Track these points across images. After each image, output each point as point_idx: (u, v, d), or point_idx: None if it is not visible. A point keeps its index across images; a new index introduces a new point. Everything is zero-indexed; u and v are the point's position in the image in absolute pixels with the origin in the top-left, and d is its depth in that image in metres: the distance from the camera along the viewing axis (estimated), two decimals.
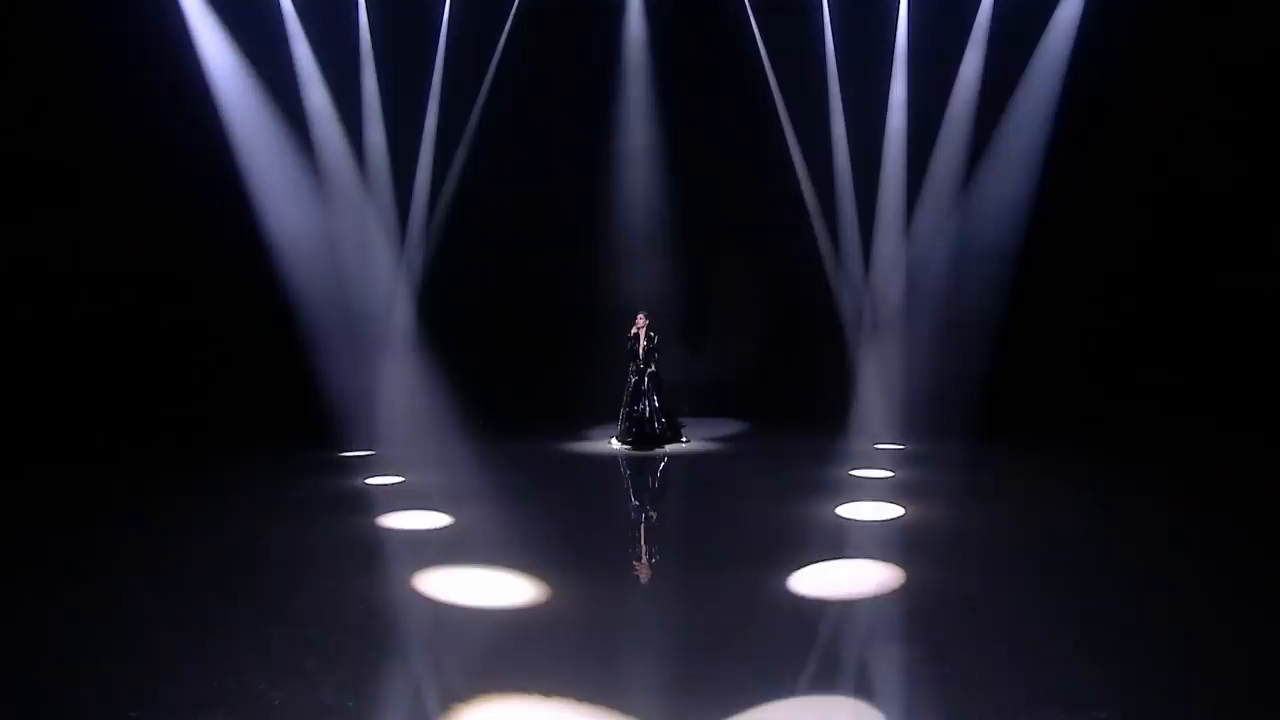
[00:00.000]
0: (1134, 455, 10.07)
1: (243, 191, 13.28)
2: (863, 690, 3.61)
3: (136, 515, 7.07)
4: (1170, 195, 12.31)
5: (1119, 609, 4.37)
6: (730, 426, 12.82)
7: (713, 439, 11.56)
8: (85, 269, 12.35)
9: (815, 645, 3.99)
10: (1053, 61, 13.13)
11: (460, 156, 14.55)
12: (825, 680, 3.66)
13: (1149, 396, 12.53)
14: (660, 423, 10.75)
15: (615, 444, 10.79)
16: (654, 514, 7.43)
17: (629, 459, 10.05)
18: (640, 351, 10.84)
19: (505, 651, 3.95)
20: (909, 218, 14.18)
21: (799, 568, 5.06)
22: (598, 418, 12.48)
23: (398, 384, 14.09)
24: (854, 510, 6.70)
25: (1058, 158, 13.08)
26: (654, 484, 8.79)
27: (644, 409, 10.71)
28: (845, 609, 4.60)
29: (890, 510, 6.66)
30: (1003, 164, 13.44)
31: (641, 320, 10.96)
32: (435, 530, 6.25)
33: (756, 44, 14.47)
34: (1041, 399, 13.39)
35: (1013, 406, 13.65)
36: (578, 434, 12.04)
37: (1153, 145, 12.34)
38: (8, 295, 11.73)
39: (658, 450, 10.46)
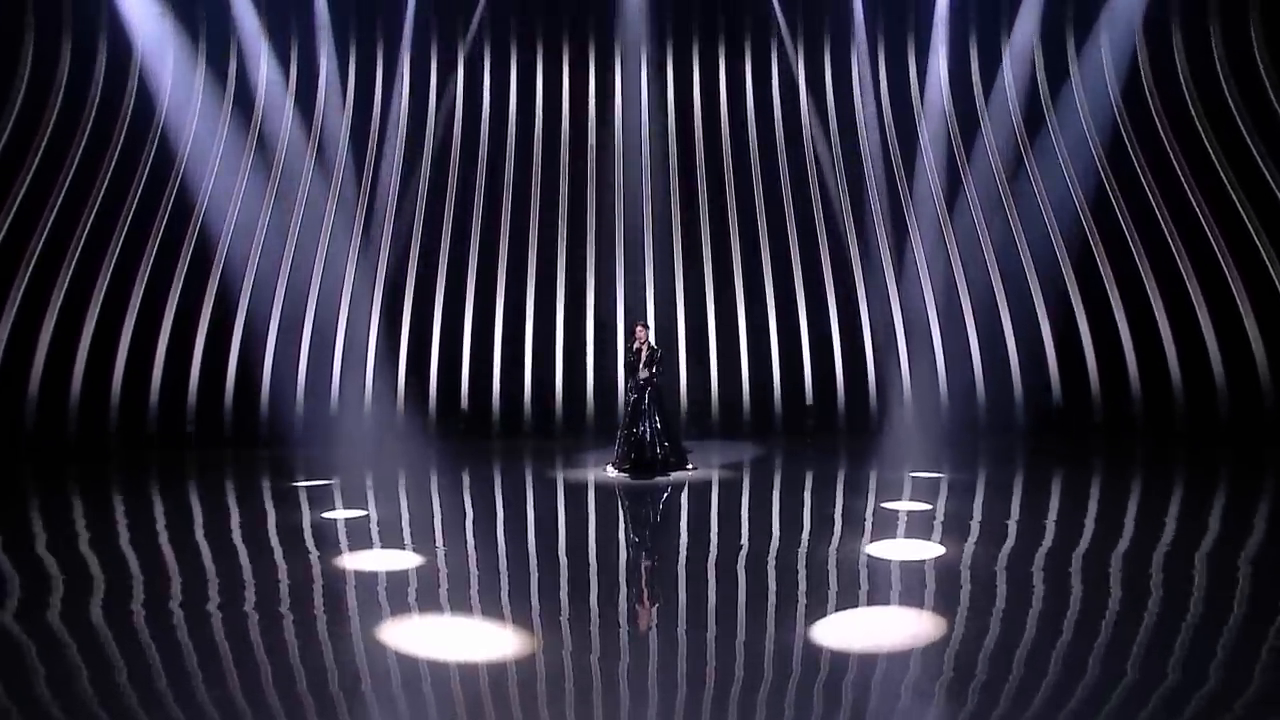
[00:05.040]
0: (1212, 479, 10.06)
1: (178, 179, 13.27)
2: None
3: (67, 546, 7.06)
4: (1254, 182, 12.20)
5: (1195, 662, 4.33)
6: (743, 451, 12.78)
7: (723, 465, 11.52)
8: None
9: (842, 705, 3.97)
10: (1122, 27, 12.75)
11: (432, 140, 14.56)
12: None
13: (1223, 413, 12.49)
14: (663, 447, 10.72)
15: (612, 471, 10.75)
16: (656, 553, 7.40)
17: (628, 488, 9.97)
18: (641, 366, 10.83)
19: (485, 712, 3.93)
20: (949, 211, 14.16)
21: (823, 615, 5.03)
22: (592, 441, 12.47)
23: (362, 402, 14.06)
24: (886, 549, 6.67)
25: (1125, 142, 12.93)
26: (656, 518, 8.76)
27: (644, 431, 10.68)
28: (876, 664, 4.58)
29: (928, 549, 6.63)
30: (1061, 150, 13.30)
31: (642, 332, 10.96)
32: (404, 572, 6.22)
33: (774, 9, 14.47)
34: (1101, 417, 13.34)
35: (1067, 427, 13.62)
36: (569, 460, 12.00)
37: (1236, 125, 12.24)
38: None
39: (660, 479, 10.42)
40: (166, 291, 13.23)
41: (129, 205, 13.06)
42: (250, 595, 5.69)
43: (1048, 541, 7.02)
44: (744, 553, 6.89)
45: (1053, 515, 8.20)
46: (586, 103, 14.63)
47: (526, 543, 7.44)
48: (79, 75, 12.94)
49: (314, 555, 6.73)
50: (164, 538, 7.63)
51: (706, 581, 6.13)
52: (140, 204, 13.12)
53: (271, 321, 13.46)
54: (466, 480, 10.98)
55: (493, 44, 14.59)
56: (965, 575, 5.93)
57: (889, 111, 14.23)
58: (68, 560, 6.68)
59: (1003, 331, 13.41)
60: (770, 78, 14.68)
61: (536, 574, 6.36)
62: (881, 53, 14.28)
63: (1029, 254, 13.32)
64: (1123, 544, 6.96)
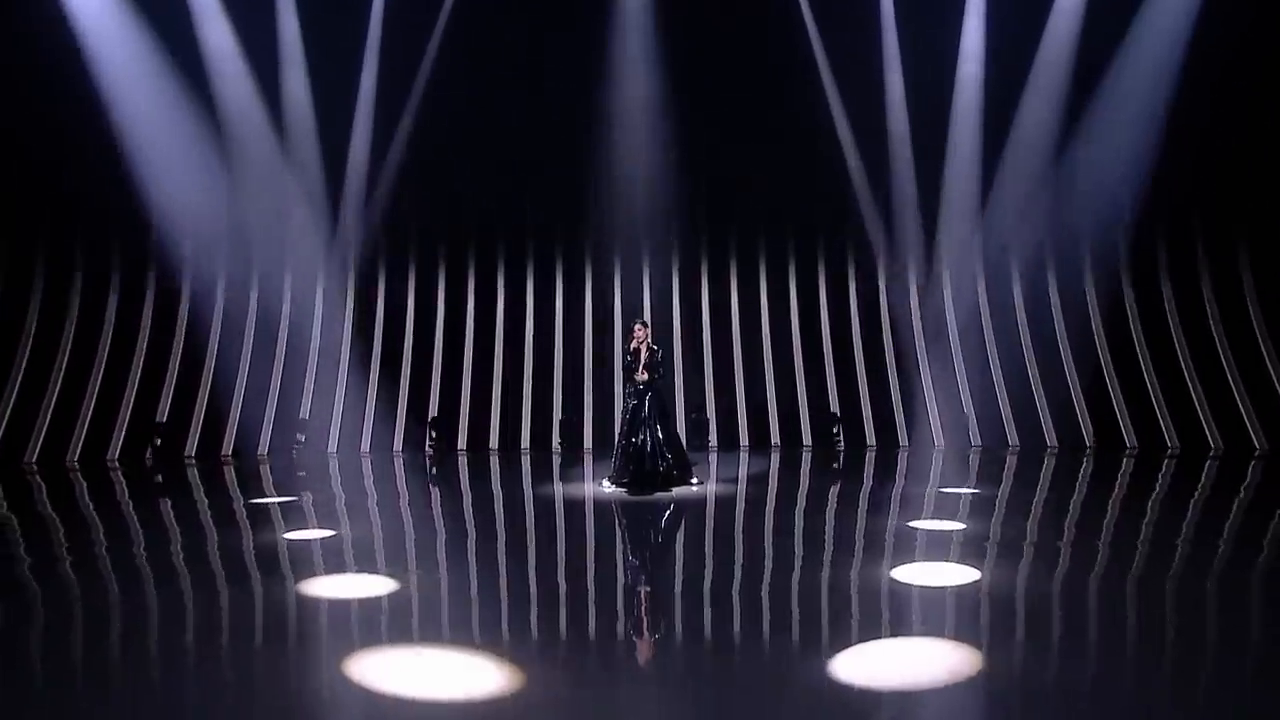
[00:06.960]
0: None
1: (120, 157, 13.24)
2: None
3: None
4: None
5: (1261, 701, 4.28)
6: (753, 464, 12.76)
7: (731, 480, 11.49)
8: None
9: None
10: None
11: (408, 116, 14.48)
12: None
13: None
14: (665, 460, 10.67)
15: (608, 486, 10.71)
16: (657, 578, 7.35)
17: (625, 506, 9.85)
18: (640, 369, 10.83)
19: None
20: (984, 198, 14.10)
21: (844, 648, 4.98)
22: (586, 452, 12.44)
23: (329, 410, 14.04)
24: (914, 573, 6.62)
25: (1183, 118, 12.77)
26: (657, 539, 8.71)
27: (644, 441, 10.63)
28: (904, 702, 4.53)
29: (961, 573, 6.58)
30: (1109, 128, 13.16)
31: (640, 330, 10.96)
32: (375, 599, 6.18)
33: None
34: (1155, 427, 13.31)
35: (1116, 437, 13.60)
36: (561, 473, 11.98)
37: None
38: None
39: (661, 495, 10.36)
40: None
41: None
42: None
43: (1095, 567, 6.99)
44: (753, 575, 6.85)
45: (1104, 535, 8.17)
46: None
47: (515, 563, 7.40)
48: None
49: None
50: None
51: (711, 607, 6.08)
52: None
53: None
54: (447, 495, 10.97)
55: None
56: (1002, 602, 5.89)
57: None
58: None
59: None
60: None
61: (525, 599, 6.32)
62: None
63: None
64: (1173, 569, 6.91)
